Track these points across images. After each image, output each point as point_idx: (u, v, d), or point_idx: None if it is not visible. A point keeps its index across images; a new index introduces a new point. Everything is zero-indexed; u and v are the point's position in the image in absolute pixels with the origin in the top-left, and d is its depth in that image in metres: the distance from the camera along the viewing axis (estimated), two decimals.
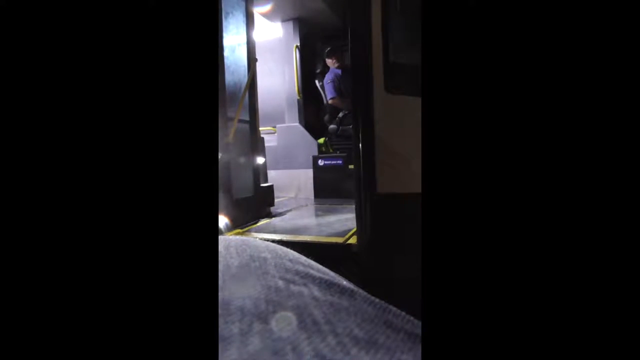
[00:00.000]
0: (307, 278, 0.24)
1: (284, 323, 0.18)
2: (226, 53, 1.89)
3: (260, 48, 2.34)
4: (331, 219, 2.00)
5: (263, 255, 0.26)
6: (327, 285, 0.24)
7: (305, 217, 2.14)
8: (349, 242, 1.48)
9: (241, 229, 1.85)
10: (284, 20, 3.15)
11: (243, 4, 2.06)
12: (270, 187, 2.27)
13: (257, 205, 2.11)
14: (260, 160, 2.21)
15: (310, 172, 2.92)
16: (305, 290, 0.22)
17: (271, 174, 2.86)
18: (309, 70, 3.29)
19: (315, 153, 2.99)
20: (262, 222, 2.02)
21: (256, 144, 2.17)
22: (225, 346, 0.17)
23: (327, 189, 2.81)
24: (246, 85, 2.01)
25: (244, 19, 2.06)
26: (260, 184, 2.17)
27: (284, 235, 1.65)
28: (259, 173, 2.19)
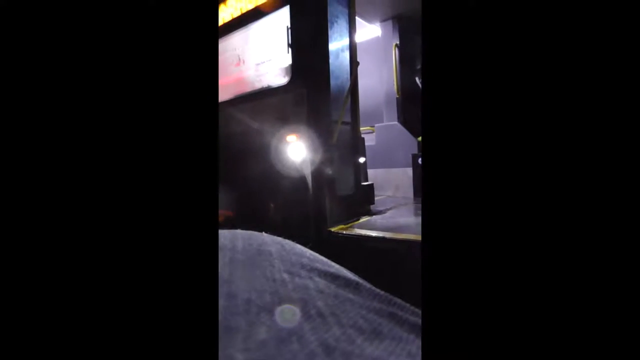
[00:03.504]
0: (313, 271, 0.24)
1: (289, 314, 0.19)
2: (331, 59, 2.02)
3: (359, 49, 2.41)
4: None
5: (269, 249, 0.27)
6: (332, 277, 0.24)
7: (405, 216, 2.14)
8: None
9: (344, 224, 1.96)
10: (383, 20, 3.17)
11: (346, 11, 2.16)
12: (371, 186, 2.33)
13: (358, 202, 2.19)
14: (361, 159, 2.29)
15: (409, 171, 2.88)
16: (310, 282, 0.23)
17: (369, 172, 2.92)
18: (409, 67, 3.25)
19: (415, 151, 2.93)
20: (363, 219, 2.09)
21: (357, 144, 2.26)
22: (232, 336, 0.17)
23: None
24: (349, 89, 2.11)
25: (347, 25, 2.16)
26: (361, 182, 2.25)
27: (385, 232, 1.69)
28: (360, 172, 2.27)
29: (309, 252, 0.28)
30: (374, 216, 2.15)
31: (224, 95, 2.39)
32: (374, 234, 1.69)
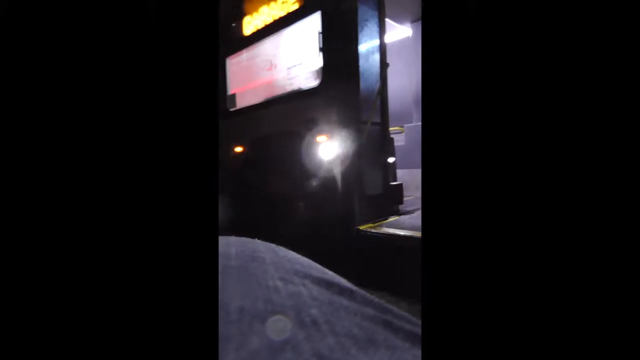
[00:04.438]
0: (307, 278, 0.24)
1: (283, 323, 0.19)
2: (360, 62, 2.06)
3: (389, 50, 2.43)
4: None
5: (262, 255, 0.26)
6: (326, 284, 0.24)
7: None
8: None
9: (372, 223, 1.99)
10: (413, 21, 3.17)
11: (376, 13, 2.19)
12: (400, 186, 2.34)
13: (386, 202, 2.21)
14: (390, 159, 2.31)
15: None
16: (304, 290, 0.22)
17: (398, 173, 2.92)
18: None
19: None
20: (392, 218, 2.11)
21: (386, 145, 2.28)
22: (224, 346, 0.17)
23: None
24: (378, 90, 2.14)
25: (377, 27, 2.19)
26: (389, 182, 2.27)
27: (414, 232, 1.71)
28: (389, 172, 2.29)
29: (302, 259, 0.28)
30: (402, 216, 2.17)
31: (256, 98, 2.49)
32: (402, 233, 1.71)
